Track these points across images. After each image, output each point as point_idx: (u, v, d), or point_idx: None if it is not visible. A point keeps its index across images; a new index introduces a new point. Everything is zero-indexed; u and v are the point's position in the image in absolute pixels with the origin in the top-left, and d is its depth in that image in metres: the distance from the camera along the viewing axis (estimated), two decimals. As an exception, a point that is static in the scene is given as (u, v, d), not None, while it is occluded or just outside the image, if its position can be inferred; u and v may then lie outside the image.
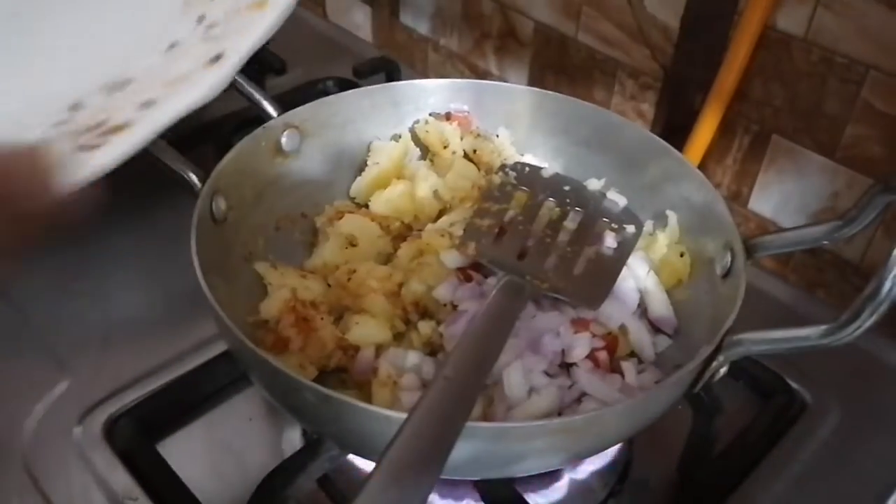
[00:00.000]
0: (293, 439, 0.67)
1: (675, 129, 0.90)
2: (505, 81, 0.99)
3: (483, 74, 1.11)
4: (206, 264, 0.54)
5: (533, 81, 1.05)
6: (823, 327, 0.49)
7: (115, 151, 0.40)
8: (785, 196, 0.86)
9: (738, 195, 0.89)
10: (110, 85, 0.46)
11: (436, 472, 0.41)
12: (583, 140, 0.73)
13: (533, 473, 0.58)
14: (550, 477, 0.63)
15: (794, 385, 0.72)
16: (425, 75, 1.18)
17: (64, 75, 0.46)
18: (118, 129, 0.41)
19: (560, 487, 0.63)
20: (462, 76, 1.14)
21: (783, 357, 0.71)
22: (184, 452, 0.66)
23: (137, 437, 0.65)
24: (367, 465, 0.63)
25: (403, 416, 0.45)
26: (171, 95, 0.42)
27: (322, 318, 0.60)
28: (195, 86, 0.42)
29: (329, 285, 0.64)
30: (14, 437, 0.65)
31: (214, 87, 0.43)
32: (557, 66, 1.02)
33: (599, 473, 0.65)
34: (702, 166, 0.88)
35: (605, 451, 0.65)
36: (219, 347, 0.72)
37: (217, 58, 0.43)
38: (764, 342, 0.51)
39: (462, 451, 0.48)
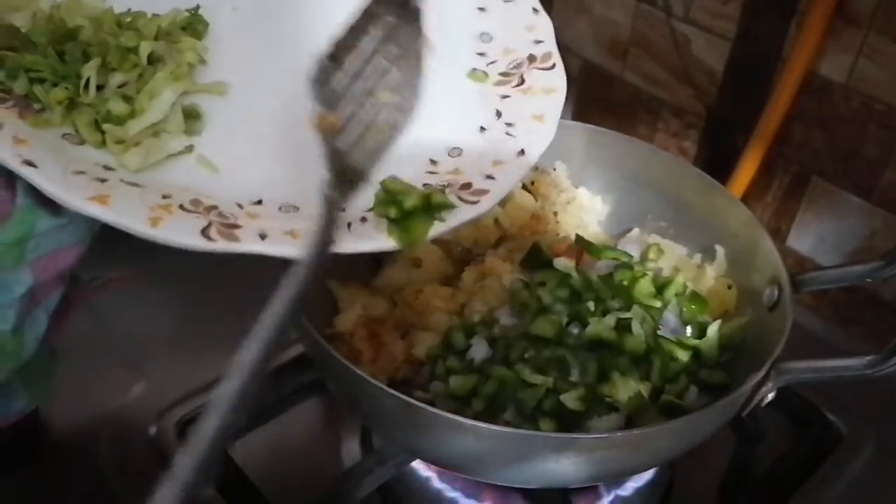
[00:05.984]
0: (353, 448, 0.71)
1: (716, 167, 0.94)
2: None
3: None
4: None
5: (578, 116, 1.09)
6: (867, 358, 0.53)
7: (484, 208, 0.54)
8: (822, 235, 0.89)
9: (776, 232, 0.93)
10: (450, 150, 0.59)
11: None
12: (633, 175, 0.77)
13: (588, 485, 0.62)
14: (597, 492, 0.67)
15: (830, 416, 0.75)
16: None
17: (425, 136, 0.58)
18: (478, 192, 0.55)
19: (604, 501, 0.67)
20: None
21: (821, 388, 0.74)
22: (250, 455, 0.70)
23: (208, 438, 0.69)
24: (425, 473, 0.67)
25: (477, 423, 0.50)
26: (502, 173, 0.57)
27: (389, 334, 0.64)
28: (513, 169, 0.57)
29: (395, 303, 0.69)
30: (95, 434, 0.69)
31: (524, 173, 0.58)
32: (602, 102, 1.06)
33: (643, 493, 0.68)
34: (743, 204, 0.92)
35: (649, 471, 0.68)
36: (281, 358, 0.76)
37: (522, 152, 0.58)
38: (810, 370, 0.55)
39: (527, 460, 0.52)
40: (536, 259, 0.69)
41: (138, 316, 0.80)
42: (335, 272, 0.70)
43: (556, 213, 0.76)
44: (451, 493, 0.66)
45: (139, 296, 0.81)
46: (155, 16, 0.57)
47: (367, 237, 0.51)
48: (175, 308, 0.81)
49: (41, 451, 0.69)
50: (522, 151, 0.58)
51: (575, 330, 0.62)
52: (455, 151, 0.59)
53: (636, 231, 0.77)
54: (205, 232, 0.47)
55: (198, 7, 0.60)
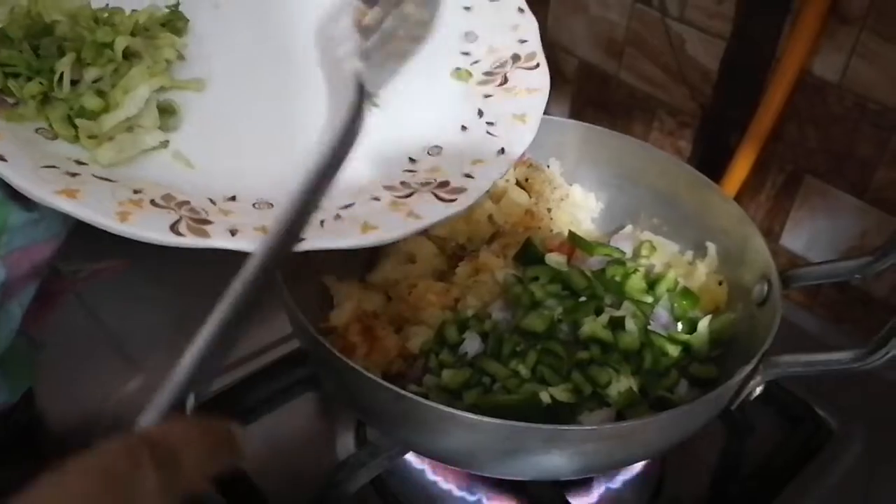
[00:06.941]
0: (347, 442, 0.72)
1: (710, 165, 0.95)
2: (547, 115, 1.04)
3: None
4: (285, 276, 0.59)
5: (574, 115, 1.10)
6: (853, 352, 0.53)
7: (461, 206, 0.54)
8: (816, 234, 0.89)
9: (770, 231, 0.93)
10: (429, 148, 0.60)
11: None
12: (626, 172, 0.78)
13: (579, 477, 0.62)
14: (588, 484, 0.67)
15: (820, 412, 0.76)
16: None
17: (405, 135, 0.60)
18: (456, 190, 0.55)
19: (596, 494, 0.68)
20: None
21: (812, 384, 0.75)
22: (246, 448, 0.70)
23: (204, 432, 0.70)
24: (419, 466, 0.67)
25: (469, 416, 0.50)
26: (481, 171, 0.57)
27: (384, 328, 0.65)
28: (492, 168, 0.57)
29: (389, 298, 0.69)
30: (91, 430, 0.70)
31: (503, 172, 0.58)
32: (598, 101, 1.07)
33: (634, 487, 0.69)
34: (735, 202, 0.92)
35: (639, 465, 0.69)
36: (275, 354, 0.77)
37: (502, 150, 0.58)
38: (798, 364, 0.56)
39: (520, 452, 0.52)
40: (529, 255, 0.69)
41: (136, 310, 0.81)
42: (330, 267, 0.70)
43: (549, 210, 0.76)
44: (445, 486, 0.67)
45: (136, 289, 0.81)
46: (134, 12, 0.57)
47: (341, 234, 0.51)
48: (173, 301, 0.82)
49: (37, 447, 0.69)
50: (503, 150, 0.58)
51: (566, 325, 0.63)
52: (434, 150, 0.59)
53: (629, 228, 0.77)
54: (174, 227, 0.47)
55: (178, 4, 0.60)
